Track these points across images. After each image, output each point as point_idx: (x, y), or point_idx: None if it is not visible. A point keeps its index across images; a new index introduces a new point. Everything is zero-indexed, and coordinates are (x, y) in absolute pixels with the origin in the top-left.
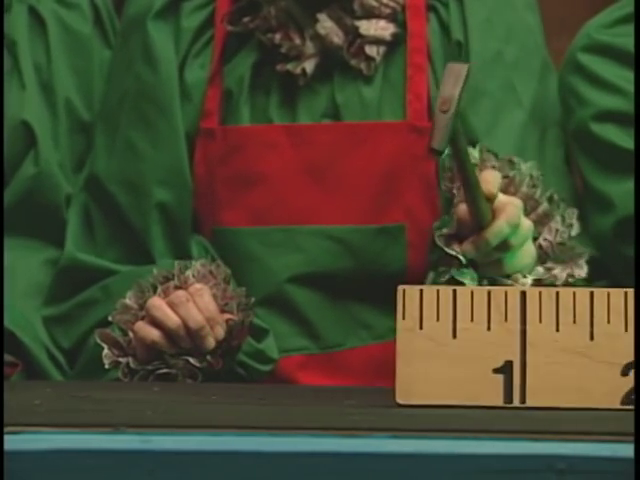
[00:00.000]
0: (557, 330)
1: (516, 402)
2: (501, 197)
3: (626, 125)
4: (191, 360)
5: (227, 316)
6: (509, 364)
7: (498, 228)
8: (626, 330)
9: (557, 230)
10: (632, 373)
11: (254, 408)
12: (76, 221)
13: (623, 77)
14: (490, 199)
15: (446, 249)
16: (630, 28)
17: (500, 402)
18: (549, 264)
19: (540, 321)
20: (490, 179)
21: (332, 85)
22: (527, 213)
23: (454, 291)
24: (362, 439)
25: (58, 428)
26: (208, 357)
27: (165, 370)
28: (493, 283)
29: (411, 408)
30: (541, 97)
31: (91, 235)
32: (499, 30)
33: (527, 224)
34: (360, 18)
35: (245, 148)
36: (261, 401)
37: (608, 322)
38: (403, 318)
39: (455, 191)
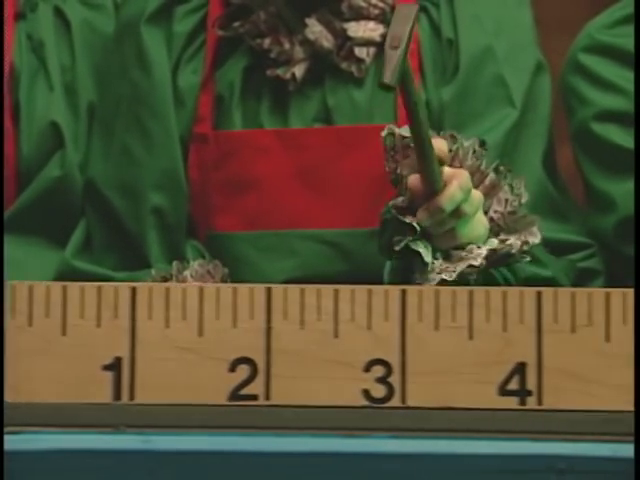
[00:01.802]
0: (167, 326)
1: (125, 399)
2: (448, 169)
3: (627, 125)
4: None
5: None
6: (118, 361)
7: (451, 193)
8: (235, 326)
9: (506, 200)
10: (239, 369)
11: (254, 408)
12: (79, 229)
13: (624, 77)
14: (442, 162)
15: (400, 217)
16: (631, 28)
17: (109, 399)
18: (502, 236)
19: (150, 317)
20: (439, 144)
21: (323, 89)
22: (475, 185)
23: (64, 287)
24: (362, 439)
25: (58, 428)
26: None
27: None
28: (448, 256)
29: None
30: (533, 94)
31: (88, 241)
32: (488, 25)
33: (477, 194)
34: (349, 20)
35: (237, 153)
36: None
37: (217, 318)
38: (12, 316)
39: (399, 170)
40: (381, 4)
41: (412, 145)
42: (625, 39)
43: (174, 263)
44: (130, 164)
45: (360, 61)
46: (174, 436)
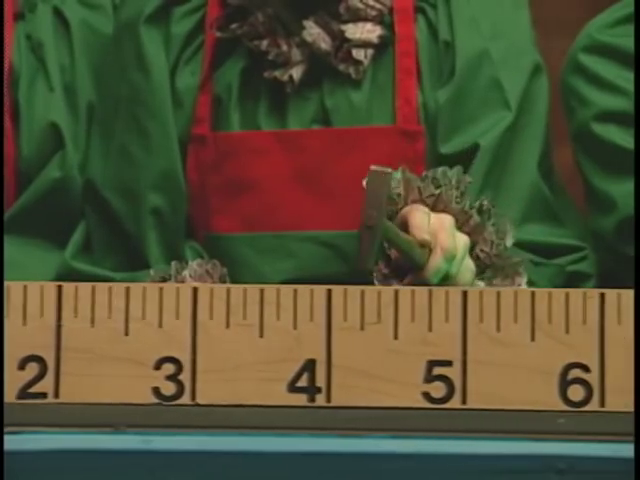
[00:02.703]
0: None
1: None
2: (431, 221)
3: (628, 125)
4: None
5: None
6: None
7: (436, 267)
8: (25, 324)
9: (492, 242)
10: (29, 367)
11: (254, 408)
12: (78, 230)
13: (625, 77)
14: (425, 245)
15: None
16: (632, 28)
17: None
18: (488, 273)
19: None
20: (419, 223)
21: (321, 91)
22: (459, 226)
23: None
24: (362, 439)
25: (58, 428)
26: None
27: None
28: None
29: None
30: (529, 96)
31: (88, 242)
32: (485, 28)
33: (462, 240)
34: (346, 22)
35: (235, 155)
36: None
37: (8, 317)
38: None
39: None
40: (378, 5)
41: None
42: (625, 39)
43: (172, 263)
44: (129, 165)
45: (358, 63)
46: (174, 436)
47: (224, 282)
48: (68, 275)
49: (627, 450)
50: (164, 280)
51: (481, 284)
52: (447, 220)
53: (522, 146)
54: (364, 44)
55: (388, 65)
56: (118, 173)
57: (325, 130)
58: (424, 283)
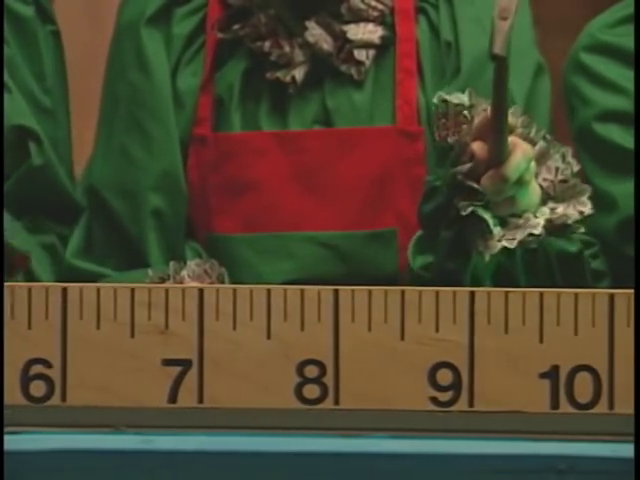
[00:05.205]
0: None
1: None
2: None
3: (629, 125)
4: None
5: None
6: None
7: (516, 162)
8: None
9: (557, 168)
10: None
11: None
12: (77, 230)
13: (626, 77)
14: (511, 130)
15: (468, 182)
16: (633, 28)
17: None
18: (550, 204)
19: None
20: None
21: (323, 91)
22: None
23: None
24: (362, 439)
25: (58, 428)
26: None
27: None
28: (505, 223)
29: None
30: (533, 96)
31: (89, 243)
32: (489, 28)
33: (532, 162)
34: (348, 22)
35: (236, 155)
36: None
37: None
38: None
39: (450, 139)
40: (380, 6)
41: (467, 113)
42: (627, 38)
43: (171, 263)
44: (130, 166)
45: (359, 63)
46: (174, 436)
47: (222, 282)
48: (69, 274)
49: (627, 450)
50: (163, 280)
51: (546, 210)
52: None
53: None
54: (366, 45)
55: (390, 66)
56: (119, 174)
57: (325, 131)
58: (502, 179)
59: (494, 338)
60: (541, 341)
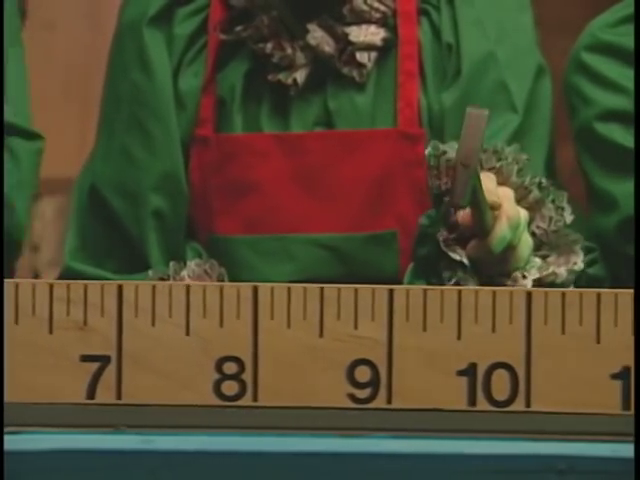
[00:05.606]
0: None
1: None
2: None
3: (631, 125)
4: None
5: None
6: None
7: (501, 234)
8: None
9: (550, 218)
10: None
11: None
12: (74, 231)
13: (627, 77)
14: (494, 208)
15: (451, 254)
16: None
17: None
18: (544, 251)
19: None
20: (488, 186)
21: (324, 94)
22: (517, 201)
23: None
24: (362, 439)
25: (58, 428)
26: None
27: None
28: (490, 283)
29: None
30: (535, 98)
31: (88, 244)
32: (490, 30)
33: (522, 213)
34: (350, 24)
35: (237, 157)
36: None
37: None
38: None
39: (443, 187)
40: (382, 8)
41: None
42: (628, 38)
43: (171, 264)
44: (131, 166)
45: (361, 66)
46: (174, 436)
47: (222, 281)
48: (68, 276)
49: (627, 450)
50: (163, 281)
51: (537, 260)
52: (508, 191)
53: (528, 148)
54: (368, 47)
55: (392, 68)
56: (119, 174)
57: (326, 133)
58: (486, 251)
59: (412, 335)
60: (459, 338)
